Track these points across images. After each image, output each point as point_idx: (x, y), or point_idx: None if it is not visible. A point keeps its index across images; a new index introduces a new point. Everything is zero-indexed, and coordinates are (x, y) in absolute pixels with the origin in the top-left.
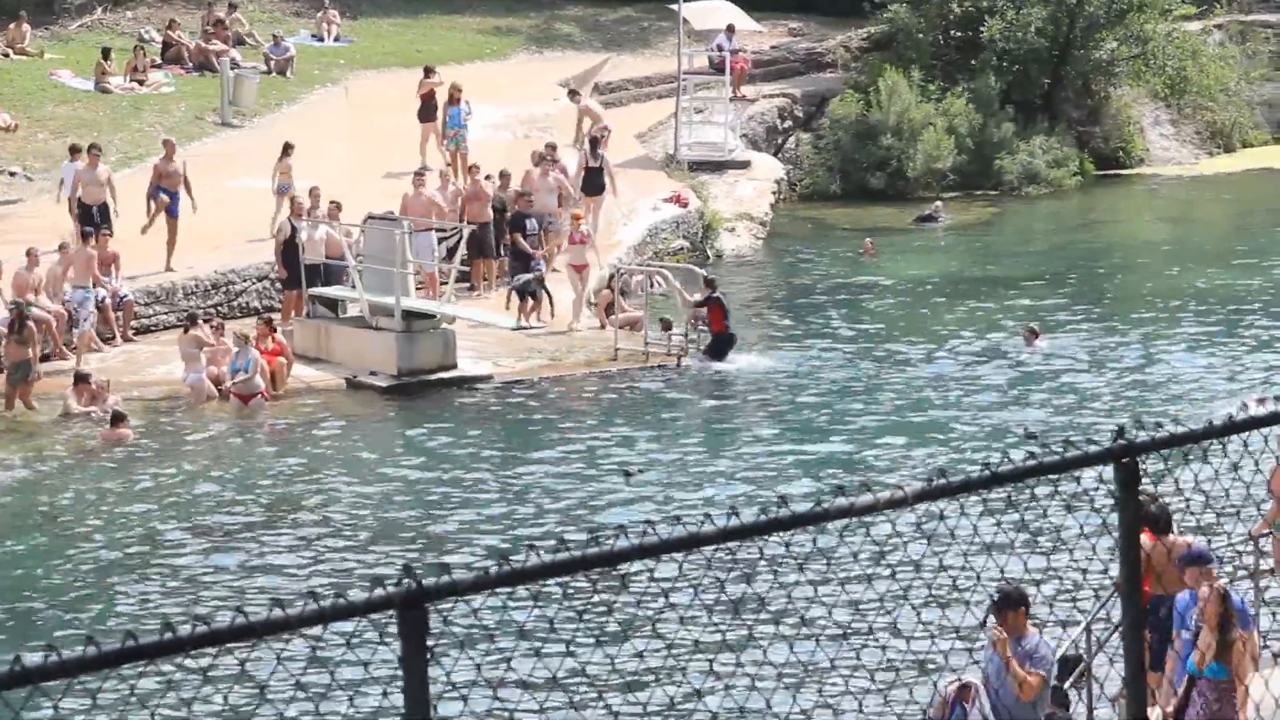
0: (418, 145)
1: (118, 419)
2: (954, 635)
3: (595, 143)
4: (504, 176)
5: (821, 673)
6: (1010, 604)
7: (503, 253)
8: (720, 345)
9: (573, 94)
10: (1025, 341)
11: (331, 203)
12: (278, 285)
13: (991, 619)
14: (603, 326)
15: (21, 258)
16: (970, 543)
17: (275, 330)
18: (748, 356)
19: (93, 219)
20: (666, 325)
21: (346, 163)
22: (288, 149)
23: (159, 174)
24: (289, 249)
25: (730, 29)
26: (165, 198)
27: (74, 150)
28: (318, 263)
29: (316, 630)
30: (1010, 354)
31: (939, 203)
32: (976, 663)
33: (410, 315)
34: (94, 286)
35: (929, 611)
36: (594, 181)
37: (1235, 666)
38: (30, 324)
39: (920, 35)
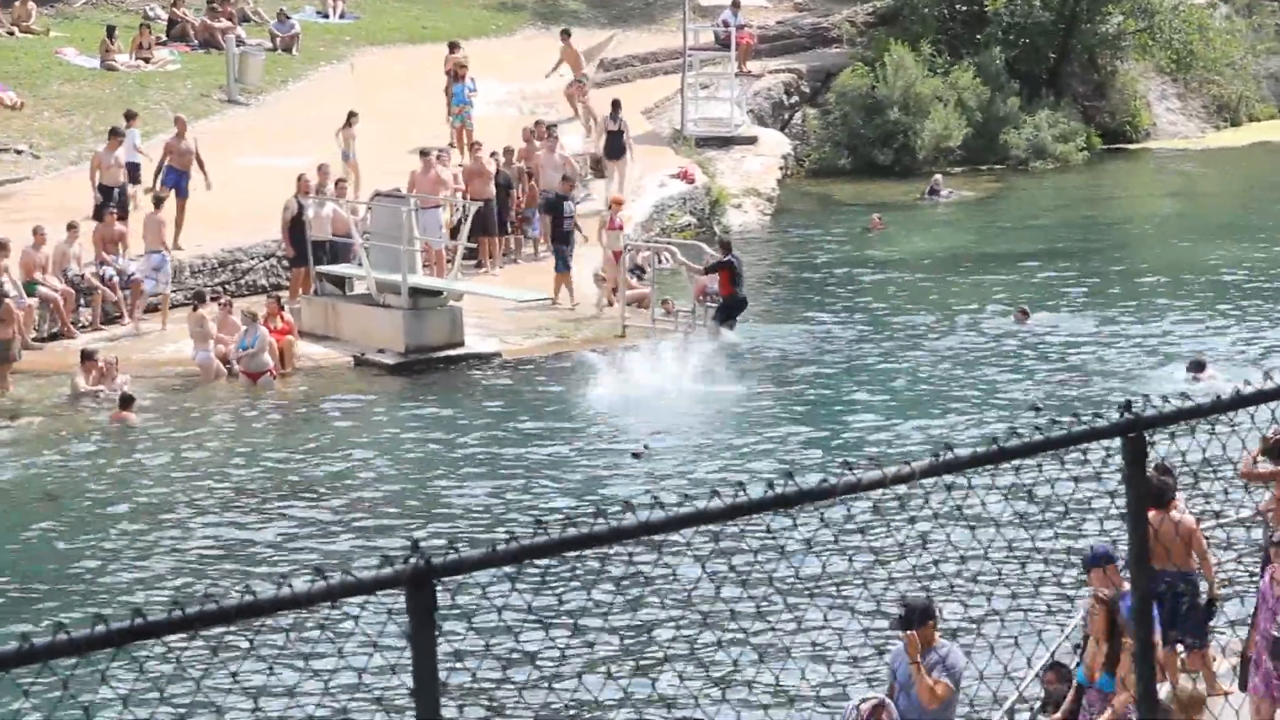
0: (426, 121)
1: (126, 402)
2: (960, 608)
3: (617, 106)
4: (508, 153)
5: (831, 647)
6: (917, 619)
7: (508, 229)
8: (727, 309)
9: (565, 33)
10: (1016, 321)
11: (338, 180)
12: (285, 263)
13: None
14: (610, 304)
15: (29, 236)
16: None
17: (284, 308)
18: (754, 331)
19: (111, 199)
20: (668, 307)
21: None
22: (352, 117)
23: (169, 151)
24: (296, 226)
25: (736, 4)
26: (166, 188)
27: (129, 116)
28: (324, 240)
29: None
30: (1016, 329)
31: (939, 176)
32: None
33: (417, 293)
34: (101, 265)
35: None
36: (616, 144)
37: (1124, 677)
38: (9, 303)
39: (925, 9)
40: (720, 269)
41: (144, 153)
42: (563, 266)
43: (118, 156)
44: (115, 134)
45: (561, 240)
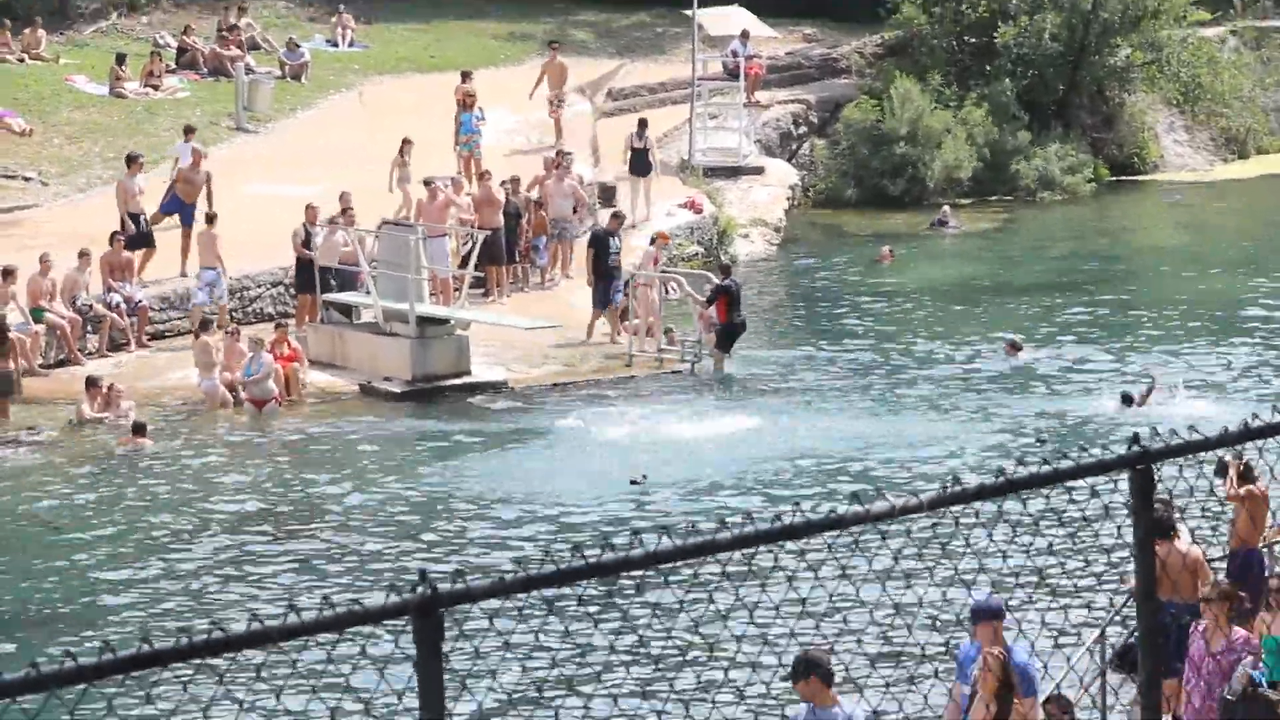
0: (434, 150)
1: (139, 429)
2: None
3: (643, 124)
4: (514, 182)
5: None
6: (801, 672)
7: (515, 258)
8: (725, 336)
9: (552, 45)
10: (1006, 355)
11: (345, 209)
12: (292, 291)
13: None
14: (617, 333)
15: (37, 263)
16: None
17: (290, 336)
18: (759, 360)
19: (139, 228)
20: (671, 337)
21: (361, 168)
22: (405, 145)
23: (181, 178)
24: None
25: (745, 35)
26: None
27: (188, 130)
28: (330, 267)
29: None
30: (1024, 361)
31: (946, 208)
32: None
33: (424, 321)
34: (108, 292)
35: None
36: (641, 162)
37: None
38: (11, 338)
39: (935, 41)
40: (719, 295)
41: (204, 154)
42: (602, 303)
43: (138, 183)
44: (133, 160)
45: (605, 276)
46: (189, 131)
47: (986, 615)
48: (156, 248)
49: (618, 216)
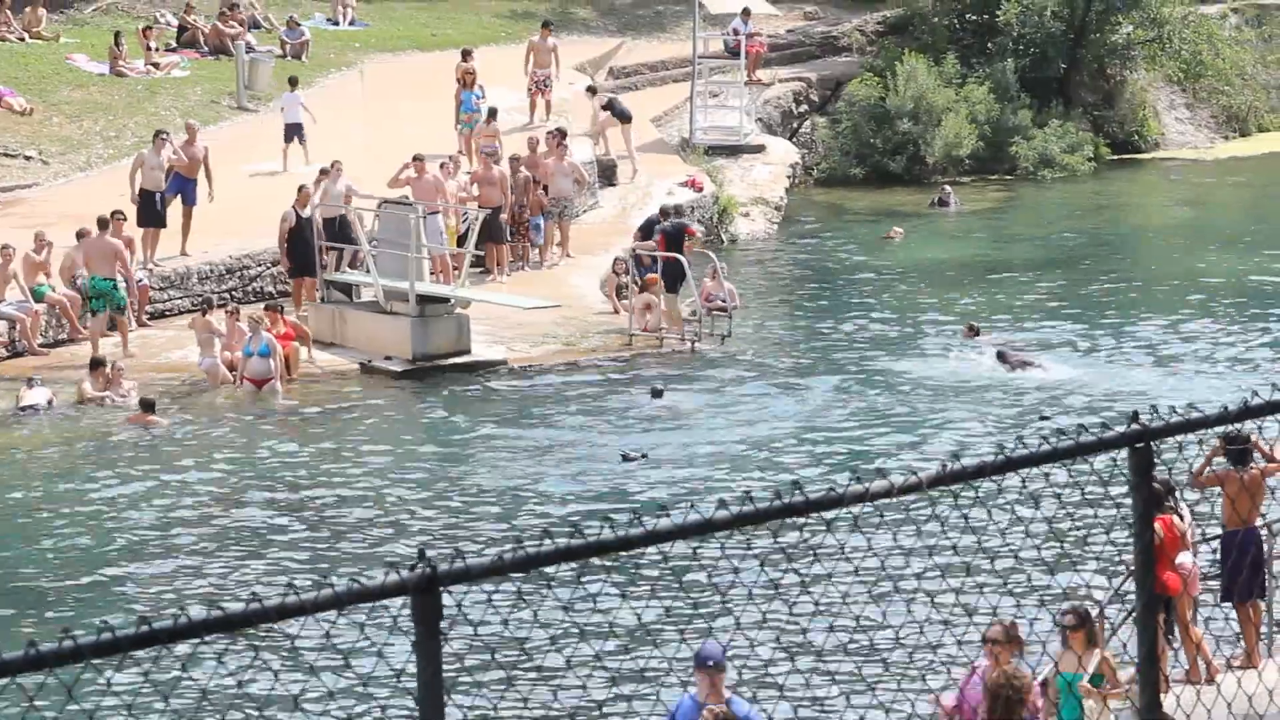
0: (434, 129)
1: (147, 405)
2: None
3: (593, 90)
4: (514, 161)
5: (838, 658)
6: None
7: (509, 237)
8: (667, 277)
9: (545, 25)
10: (964, 338)
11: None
12: (284, 275)
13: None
14: (616, 311)
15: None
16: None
17: (283, 314)
18: (761, 340)
19: (154, 206)
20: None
21: (361, 146)
22: (492, 114)
23: (182, 161)
24: (295, 237)
25: (746, 13)
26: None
27: (293, 82)
28: (335, 216)
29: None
30: (1025, 341)
31: (947, 187)
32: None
33: (425, 300)
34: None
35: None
36: (617, 109)
37: None
38: None
39: (936, 19)
40: (660, 235)
41: (308, 109)
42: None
43: (161, 160)
44: (160, 136)
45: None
46: (294, 83)
47: (706, 665)
48: (166, 226)
49: (664, 210)
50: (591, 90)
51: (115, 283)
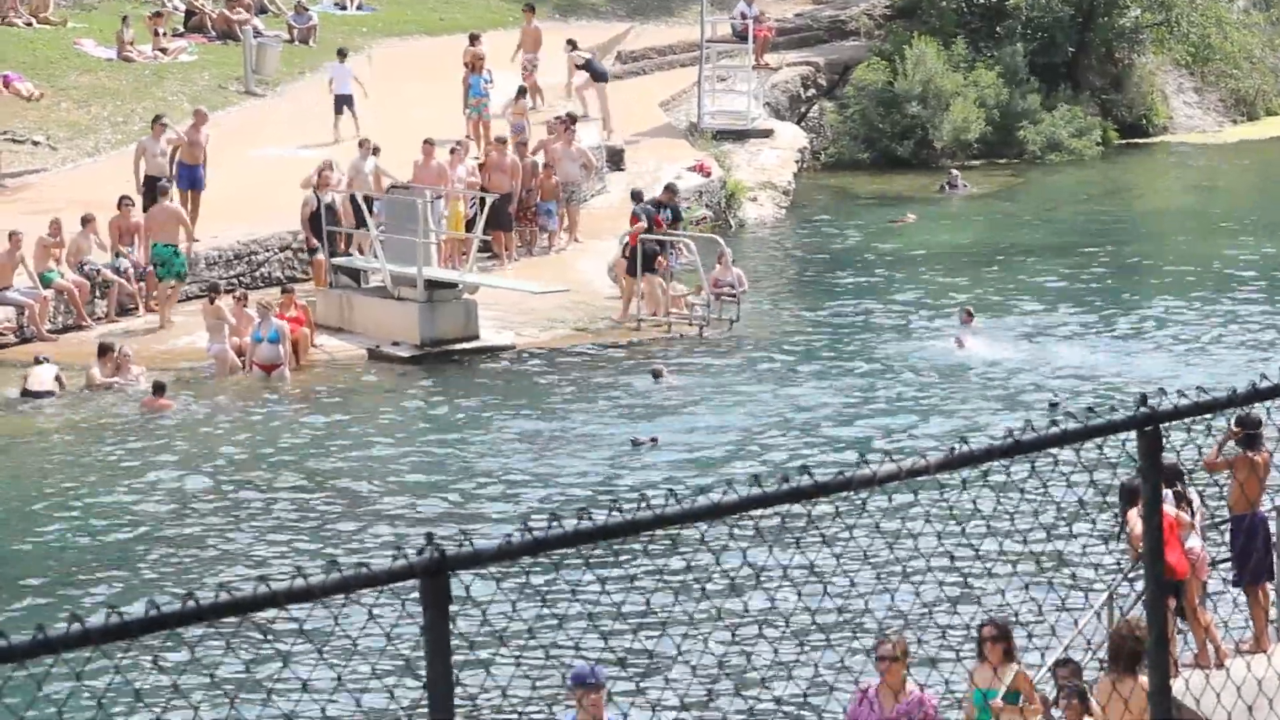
0: (442, 114)
1: (159, 389)
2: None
3: (573, 44)
4: (522, 145)
5: (843, 641)
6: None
7: (513, 224)
8: (635, 259)
9: (528, 8)
10: (961, 322)
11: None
12: (302, 255)
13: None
14: (628, 298)
15: (45, 227)
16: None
17: (295, 299)
18: (767, 325)
19: (155, 190)
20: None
21: (369, 130)
22: (522, 92)
23: (181, 143)
24: (315, 220)
25: None
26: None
27: (342, 53)
28: (370, 195)
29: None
30: (1033, 325)
31: (955, 171)
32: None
33: (433, 285)
34: (116, 256)
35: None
36: (595, 69)
37: None
38: None
39: (944, 2)
40: (632, 217)
41: (360, 81)
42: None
43: (163, 145)
44: (159, 121)
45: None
46: (342, 55)
47: (584, 683)
48: None
49: (670, 188)
50: (571, 44)
51: (176, 249)
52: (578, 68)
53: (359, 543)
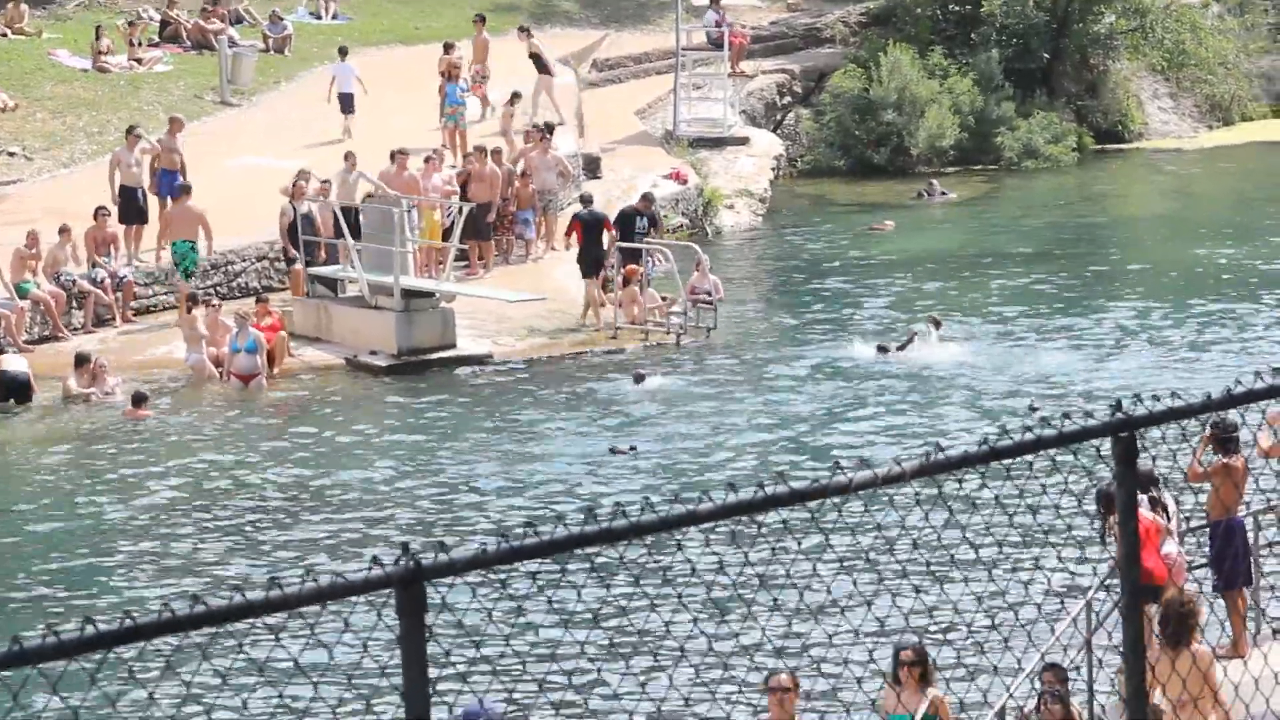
0: (419, 122)
1: (139, 400)
2: (950, 609)
3: (525, 30)
4: (496, 154)
5: (822, 650)
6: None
7: (492, 233)
8: (584, 263)
9: (479, 19)
10: (929, 329)
11: (323, 182)
12: (279, 265)
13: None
14: (601, 304)
15: (21, 238)
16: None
17: (269, 305)
18: (744, 332)
19: (135, 202)
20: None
21: (344, 140)
22: (515, 96)
23: (160, 150)
24: (294, 230)
25: (715, 1)
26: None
27: (343, 51)
28: (352, 206)
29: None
30: (1008, 331)
31: (934, 182)
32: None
33: (409, 294)
34: (93, 267)
35: (931, 587)
36: (540, 62)
37: None
38: None
39: (919, 10)
40: (573, 222)
41: (361, 81)
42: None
43: (137, 155)
44: (133, 132)
45: (630, 258)
46: (343, 53)
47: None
48: (148, 222)
49: (647, 197)
50: (524, 31)
51: (193, 244)
52: (528, 55)
53: (335, 552)
